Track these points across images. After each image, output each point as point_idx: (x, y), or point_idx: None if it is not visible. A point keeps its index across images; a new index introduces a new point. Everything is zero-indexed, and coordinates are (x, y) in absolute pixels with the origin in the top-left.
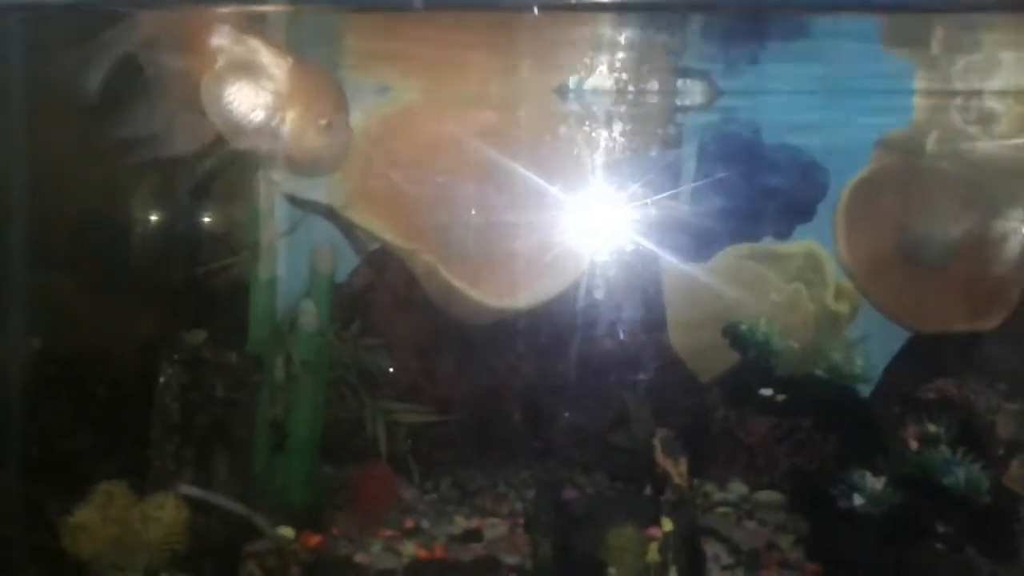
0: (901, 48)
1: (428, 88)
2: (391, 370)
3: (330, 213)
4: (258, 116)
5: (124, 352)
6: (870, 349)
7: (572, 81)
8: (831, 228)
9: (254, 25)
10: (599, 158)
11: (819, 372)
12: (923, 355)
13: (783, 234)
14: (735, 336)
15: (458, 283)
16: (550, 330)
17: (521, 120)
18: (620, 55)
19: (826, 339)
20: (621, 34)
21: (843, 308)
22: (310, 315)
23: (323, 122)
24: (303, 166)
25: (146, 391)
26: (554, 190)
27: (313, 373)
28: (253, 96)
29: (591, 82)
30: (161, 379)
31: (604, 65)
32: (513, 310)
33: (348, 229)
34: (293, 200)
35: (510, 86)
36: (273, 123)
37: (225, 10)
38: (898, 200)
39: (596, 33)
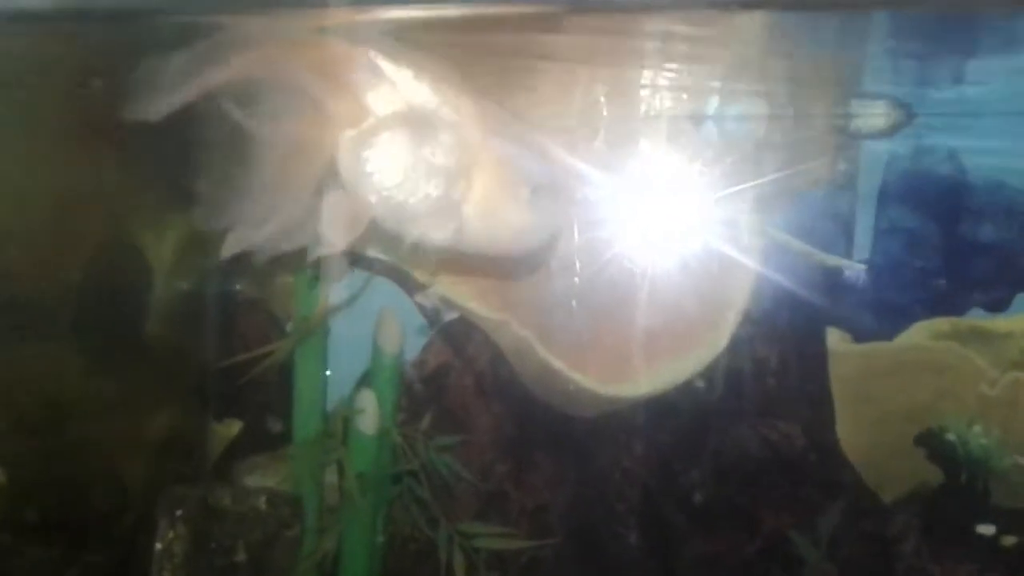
0: None
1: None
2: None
3: (391, 269)
4: (431, 190)
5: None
6: None
7: (710, 105)
8: None
9: (414, 56)
10: (745, 202)
11: None
12: None
13: (997, 306)
14: (938, 447)
15: (559, 363)
16: (677, 425)
17: (641, 156)
18: (775, 67)
19: None
20: (776, 39)
21: None
22: (370, 412)
23: (525, 191)
24: (491, 257)
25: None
26: (686, 243)
27: (372, 489)
28: (423, 161)
29: (735, 107)
30: (158, 545)
31: (753, 83)
32: (629, 398)
33: (417, 292)
34: (355, 258)
35: (625, 113)
36: (452, 199)
37: (371, 23)
38: None
39: (741, 41)
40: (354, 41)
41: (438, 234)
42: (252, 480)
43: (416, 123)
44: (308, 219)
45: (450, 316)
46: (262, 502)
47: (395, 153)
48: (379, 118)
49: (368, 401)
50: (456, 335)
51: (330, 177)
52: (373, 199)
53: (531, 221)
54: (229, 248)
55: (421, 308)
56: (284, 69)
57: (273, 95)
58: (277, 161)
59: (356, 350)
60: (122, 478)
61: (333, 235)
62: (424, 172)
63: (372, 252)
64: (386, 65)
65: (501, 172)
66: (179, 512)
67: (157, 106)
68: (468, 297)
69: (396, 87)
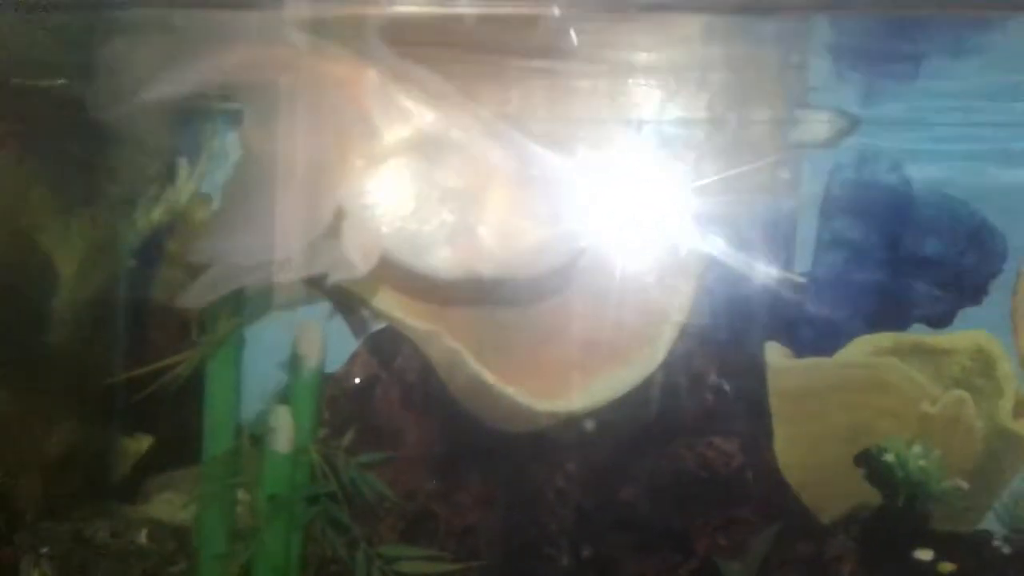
0: None
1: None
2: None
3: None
4: (446, 216)
5: None
6: None
7: (650, 110)
8: (1010, 316)
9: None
10: (682, 211)
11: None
12: None
13: (940, 321)
14: (876, 467)
15: (491, 377)
16: (612, 443)
17: (580, 161)
18: (715, 74)
19: (1003, 476)
20: (716, 45)
21: None
22: (284, 429)
23: (543, 208)
24: (499, 277)
25: None
26: (622, 255)
27: (285, 511)
28: (436, 187)
29: (675, 111)
30: None
31: (693, 87)
32: (564, 414)
33: (345, 303)
34: None
35: (566, 117)
36: (467, 223)
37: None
38: None
39: (682, 44)
40: (360, 52)
41: (456, 261)
42: (163, 499)
43: (426, 147)
44: (306, 252)
45: (377, 326)
46: (143, 536)
47: (406, 180)
48: (387, 144)
49: (282, 417)
50: (384, 346)
51: (336, 208)
52: (385, 230)
53: (551, 238)
54: (211, 287)
55: (347, 318)
56: (298, 80)
57: (287, 108)
58: (283, 186)
59: (275, 362)
60: (16, 498)
61: (343, 270)
62: (438, 198)
63: None
64: (395, 86)
65: (516, 191)
66: (45, 549)
67: (131, 104)
68: (396, 307)
69: (406, 111)
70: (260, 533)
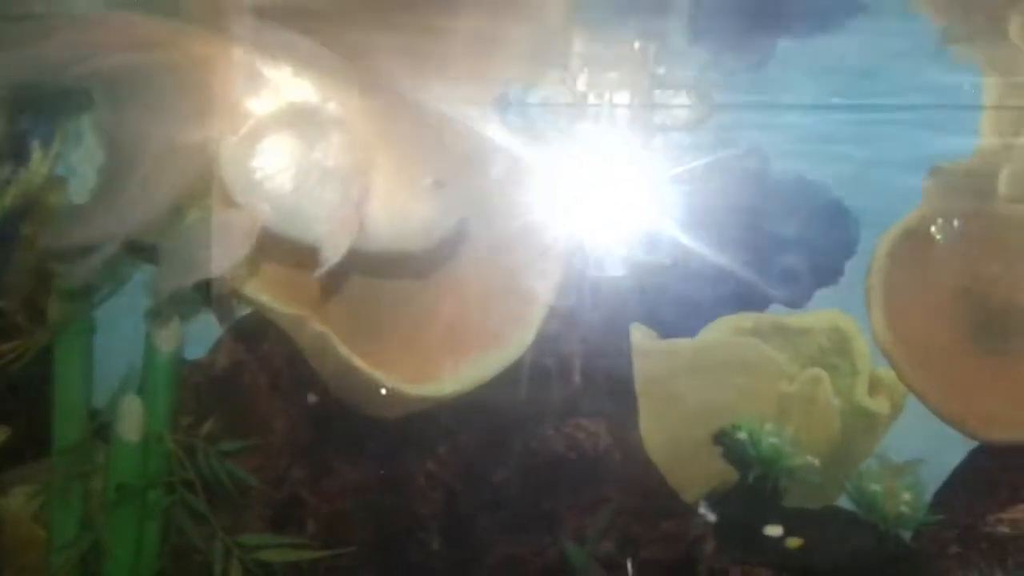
0: (965, 46)
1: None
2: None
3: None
4: (327, 194)
5: None
6: (922, 472)
7: (515, 91)
8: (864, 295)
9: (297, 47)
10: (546, 192)
11: (848, 505)
12: (992, 473)
13: (797, 302)
14: (731, 446)
15: (360, 361)
16: (483, 427)
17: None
18: (578, 57)
19: (858, 452)
20: (578, 28)
21: (880, 406)
22: (133, 417)
23: (427, 181)
24: (390, 252)
25: None
26: (488, 233)
27: (136, 500)
28: (315, 165)
29: (540, 92)
30: None
31: (558, 70)
32: (433, 398)
33: (207, 287)
34: (129, 247)
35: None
36: (350, 200)
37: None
38: (957, 258)
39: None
40: (227, 29)
41: (339, 238)
42: (19, 491)
43: (302, 124)
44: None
45: (243, 311)
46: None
47: (283, 158)
48: (261, 120)
49: (131, 406)
50: (250, 332)
51: (214, 185)
52: (265, 207)
53: (435, 213)
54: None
55: (210, 303)
56: (155, 60)
57: (143, 89)
58: (146, 163)
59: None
60: None
61: (224, 248)
62: (318, 176)
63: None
64: (264, 61)
65: (399, 167)
66: None
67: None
68: (261, 290)
69: (276, 87)
70: (104, 522)
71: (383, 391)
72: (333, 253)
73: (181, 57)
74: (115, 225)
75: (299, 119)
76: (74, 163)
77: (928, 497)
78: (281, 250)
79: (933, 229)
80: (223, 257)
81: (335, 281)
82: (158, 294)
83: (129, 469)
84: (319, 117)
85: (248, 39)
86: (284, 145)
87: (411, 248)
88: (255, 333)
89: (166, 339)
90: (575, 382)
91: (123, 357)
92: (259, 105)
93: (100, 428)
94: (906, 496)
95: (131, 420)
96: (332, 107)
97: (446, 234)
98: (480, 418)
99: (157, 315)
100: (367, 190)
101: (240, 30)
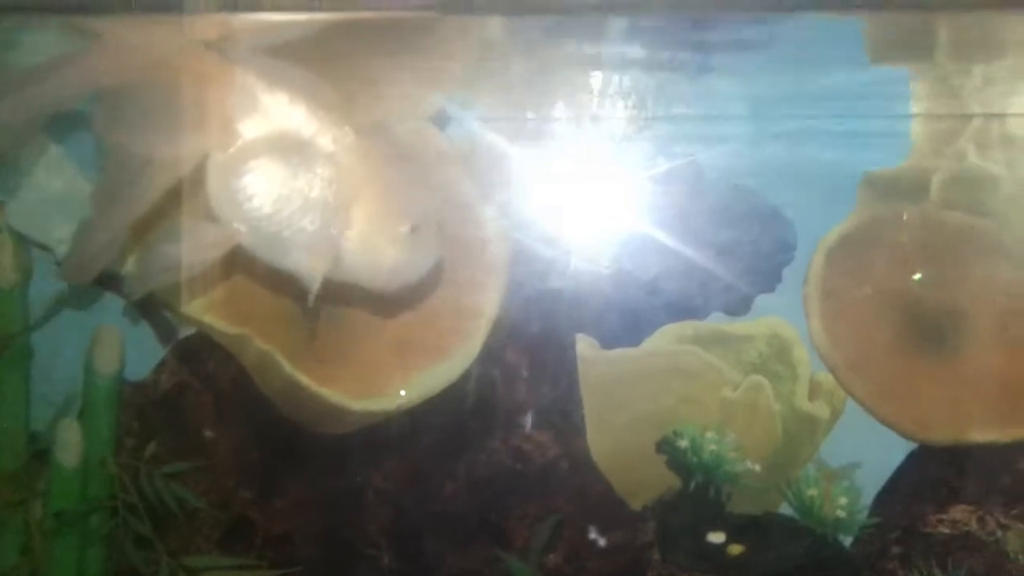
0: (894, 59)
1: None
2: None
3: (119, 282)
4: (307, 224)
5: None
6: (862, 475)
7: (453, 106)
8: (802, 301)
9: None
10: (486, 205)
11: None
12: (930, 475)
13: (737, 309)
14: (673, 453)
15: (304, 378)
16: (431, 441)
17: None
18: (516, 69)
19: (800, 457)
20: (516, 42)
21: (821, 411)
22: (70, 443)
23: (404, 228)
24: (358, 286)
25: None
26: (431, 248)
27: (77, 526)
28: (299, 194)
29: (478, 108)
30: None
31: (495, 85)
32: (380, 413)
33: (148, 306)
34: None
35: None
36: (329, 233)
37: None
38: (893, 263)
39: (485, 40)
40: (227, 54)
41: (314, 268)
42: None
43: (290, 152)
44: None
45: (186, 332)
46: None
47: (268, 183)
48: (250, 143)
49: (69, 430)
50: (193, 352)
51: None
52: (242, 228)
53: (409, 258)
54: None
55: (152, 324)
56: (151, 79)
57: (136, 105)
58: (129, 175)
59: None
60: None
61: (194, 255)
62: (300, 205)
63: None
64: (261, 86)
65: (380, 207)
66: None
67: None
68: (203, 310)
69: (270, 112)
70: (44, 549)
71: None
72: (311, 282)
73: (179, 72)
74: (112, 231)
75: (289, 146)
76: (11, 187)
77: (865, 500)
78: (227, 269)
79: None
80: (191, 264)
81: (278, 299)
82: (131, 295)
83: (69, 495)
84: (308, 147)
85: (248, 63)
86: (270, 169)
87: (379, 287)
88: (198, 353)
89: (105, 361)
90: (521, 394)
91: (62, 381)
92: (251, 127)
93: (39, 454)
94: (842, 500)
95: (70, 445)
96: (323, 139)
97: (417, 279)
98: (428, 432)
99: (99, 335)
100: (347, 225)
101: (240, 54)
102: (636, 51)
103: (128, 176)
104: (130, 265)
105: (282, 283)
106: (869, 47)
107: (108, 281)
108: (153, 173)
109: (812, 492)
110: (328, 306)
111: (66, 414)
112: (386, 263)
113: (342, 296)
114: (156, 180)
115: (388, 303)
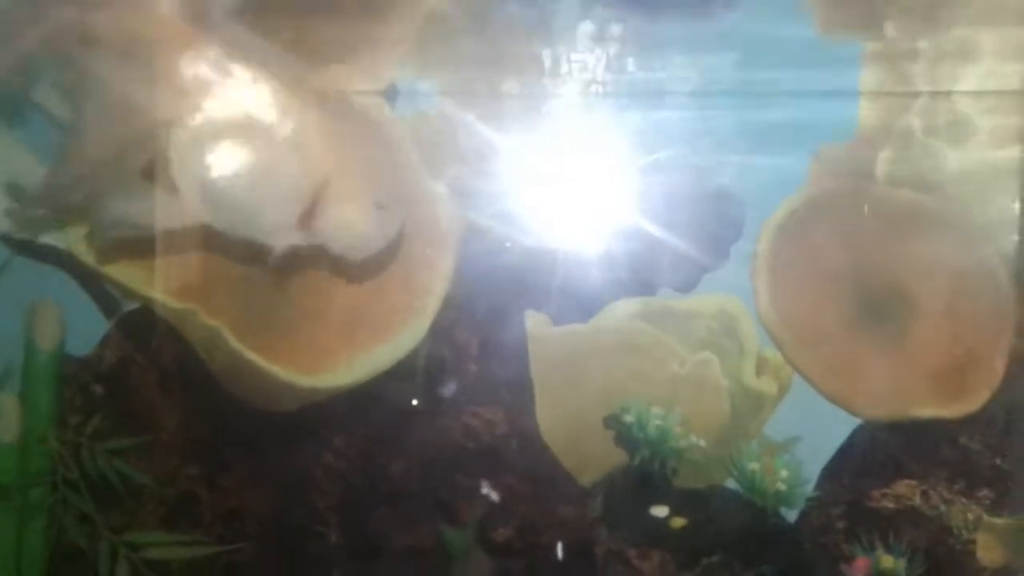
0: (842, 34)
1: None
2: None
3: (61, 256)
4: (278, 199)
5: None
6: (802, 451)
7: (403, 80)
8: (750, 277)
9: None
10: (440, 180)
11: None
12: (876, 450)
13: (685, 286)
14: (619, 429)
15: (252, 355)
16: (380, 418)
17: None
18: (470, 41)
19: (747, 432)
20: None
21: (768, 387)
22: (7, 418)
23: (372, 202)
24: (323, 253)
25: None
26: (381, 223)
27: (15, 501)
28: (269, 167)
29: (429, 82)
30: None
31: (446, 56)
32: (329, 389)
33: (91, 280)
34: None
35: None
36: (301, 208)
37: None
38: (839, 240)
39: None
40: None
41: (281, 235)
42: None
43: (259, 127)
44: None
45: (130, 306)
46: None
47: (234, 159)
48: (218, 120)
49: (6, 405)
50: (137, 327)
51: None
52: (206, 201)
53: (374, 231)
54: None
55: (95, 297)
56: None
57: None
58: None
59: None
60: None
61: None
62: (262, 175)
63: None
64: (235, 60)
65: (347, 184)
66: None
67: None
68: (148, 284)
69: (241, 84)
70: None
71: None
72: (278, 242)
73: (154, 39)
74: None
75: (253, 116)
76: None
77: (810, 475)
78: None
79: None
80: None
81: (225, 273)
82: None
83: (6, 470)
84: (273, 117)
85: (221, 37)
86: (236, 147)
87: (345, 255)
88: (143, 328)
89: (44, 336)
90: (471, 371)
91: (1, 357)
92: (220, 98)
93: None
94: (784, 474)
95: (7, 420)
96: (289, 122)
97: (380, 247)
98: (377, 409)
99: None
100: (316, 194)
101: (214, 28)
102: (586, 25)
103: (105, 113)
104: (72, 237)
105: (241, 252)
106: (819, 19)
107: (48, 254)
108: (127, 115)
109: (754, 466)
110: (284, 275)
111: (3, 388)
112: (354, 233)
113: (299, 265)
114: (129, 122)
115: (345, 274)
